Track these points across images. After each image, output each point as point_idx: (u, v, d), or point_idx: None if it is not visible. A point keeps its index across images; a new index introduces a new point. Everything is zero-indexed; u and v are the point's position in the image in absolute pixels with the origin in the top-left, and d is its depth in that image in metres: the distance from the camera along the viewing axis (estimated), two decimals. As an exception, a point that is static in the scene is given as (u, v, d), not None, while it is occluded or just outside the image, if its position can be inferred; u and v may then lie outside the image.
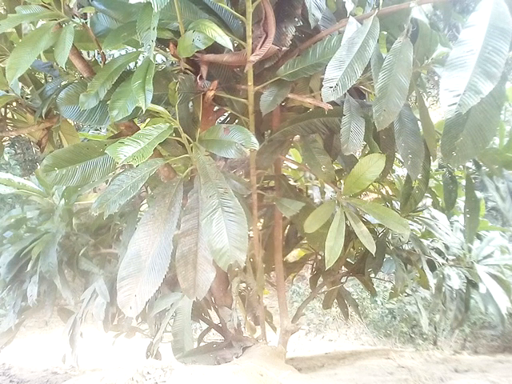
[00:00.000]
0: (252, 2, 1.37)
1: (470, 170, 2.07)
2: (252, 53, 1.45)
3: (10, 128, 1.91)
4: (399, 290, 2.68)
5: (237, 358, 1.90)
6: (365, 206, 1.71)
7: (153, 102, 1.27)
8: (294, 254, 3.24)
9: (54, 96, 1.62)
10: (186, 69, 1.56)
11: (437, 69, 1.52)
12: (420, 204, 2.24)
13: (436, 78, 1.70)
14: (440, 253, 2.81)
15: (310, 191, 2.57)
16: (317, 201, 2.44)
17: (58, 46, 1.30)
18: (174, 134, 1.44)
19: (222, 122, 2.17)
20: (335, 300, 3.12)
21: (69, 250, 2.55)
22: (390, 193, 2.75)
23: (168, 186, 1.52)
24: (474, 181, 2.03)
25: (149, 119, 1.88)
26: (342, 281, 3.02)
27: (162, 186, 1.54)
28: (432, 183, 2.45)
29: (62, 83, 1.74)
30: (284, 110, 1.94)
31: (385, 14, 1.38)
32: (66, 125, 2.04)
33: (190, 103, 1.68)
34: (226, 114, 2.20)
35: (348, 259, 2.90)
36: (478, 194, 1.99)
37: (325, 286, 2.90)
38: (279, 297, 2.18)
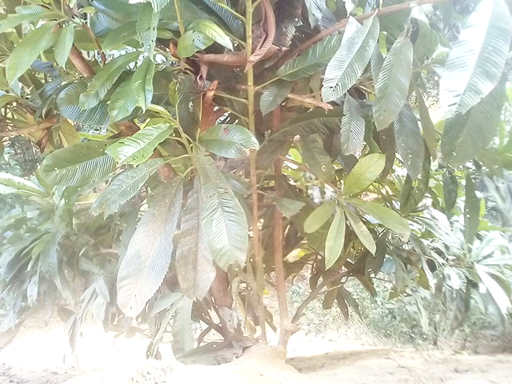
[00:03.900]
0: (252, 2, 1.37)
1: (470, 170, 2.07)
2: (252, 53, 1.45)
3: (10, 128, 1.91)
4: (399, 290, 2.67)
5: (237, 358, 1.90)
6: (365, 206, 1.71)
7: (153, 102, 1.27)
8: (294, 254, 3.24)
9: (54, 96, 1.62)
10: (186, 69, 1.56)
11: (437, 69, 1.52)
12: (420, 204, 2.23)
13: (436, 77, 1.70)
14: (440, 253, 2.80)
15: (310, 191, 2.57)
16: (317, 201, 2.44)
17: (58, 46, 1.30)
18: (174, 134, 1.44)
19: (222, 122, 2.17)
20: (335, 300, 3.12)
21: (69, 250, 2.55)
22: (390, 193, 2.75)
23: (168, 186, 1.52)
24: (474, 181, 2.03)
25: (149, 119, 1.87)
26: (342, 281, 3.02)
27: (162, 186, 1.54)
28: (432, 183, 2.45)
29: (62, 83, 1.74)
30: (284, 110, 1.94)
31: (385, 14, 1.38)
32: (66, 125, 2.04)
33: (190, 103, 1.67)
34: (226, 114, 2.20)
35: (348, 259, 2.89)
36: (478, 194, 1.98)
37: (325, 286, 2.90)
38: (279, 297, 2.18)
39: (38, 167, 6.64)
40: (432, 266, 2.69)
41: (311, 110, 1.85)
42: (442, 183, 2.16)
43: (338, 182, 2.32)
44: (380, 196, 2.82)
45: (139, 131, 1.31)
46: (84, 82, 1.48)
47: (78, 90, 1.49)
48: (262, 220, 2.53)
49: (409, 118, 1.54)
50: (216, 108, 1.88)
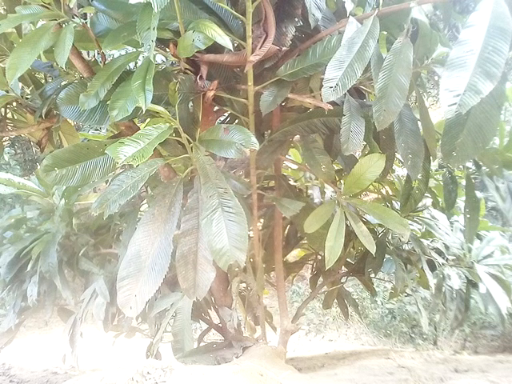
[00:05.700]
0: (252, 2, 1.37)
1: (470, 170, 2.07)
2: (252, 53, 1.45)
3: (10, 128, 1.91)
4: (399, 290, 2.67)
5: (237, 358, 1.90)
6: (365, 206, 1.71)
7: (153, 102, 1.27)
8: (294, 254, 3.24)
9: (54, 96, 1.62)
10: (186, 69, 1.56)
11: (437, 69, 1.52)
12: (420, 204, 2.24)
13: (436, 77, 1.70)
14: (440, 253, 2.80)
15: (310, 191, 2.57)
16: (317, 201, 2.44)
17: (58, 46, 1.30)
18: (174, 134, 1.43)
19: (222, 122, 2.17)
20: (335, 300, 3.12)
21: (69, 250, 2.55)
22: (390, 193, 2.75)
23: (168, 186, 1.52)
24: (474, 181, 2.03)
25: (149, 119, 1.87)
26: (342, 281, 3.02)
27: (162, 186, 1.54)
28: (432, 183, 2.45)
29: (62, 83, 1.74)
30: (284, 110, 1.94)
31: (385, 13, 1.38)
32: (66, 125, 2.04)
33: (190, 103, 1.67)
34: (226, 114, 2.20)
35: (348, 259, 2.90)
36: (478, 194, 1.99)
37: (325, 286, 2.90)
38: (279, 297, 2.18)
39: (38, 167, 6.64)
40: (432, 266, 2.69)
41: (311, 110, 1.85)
42: (441, 183, 2.16)
43: (338, 182, 2.32)
44: (380, 196, 2.82)
45: (139, 131, 1.31)
46: (84, 82, 1.48)
47: (77, 90, 1.49)
48: (262, 220, 2.53)
49: (409, 118, 1.54)
50: (216, 108, 1.88)
